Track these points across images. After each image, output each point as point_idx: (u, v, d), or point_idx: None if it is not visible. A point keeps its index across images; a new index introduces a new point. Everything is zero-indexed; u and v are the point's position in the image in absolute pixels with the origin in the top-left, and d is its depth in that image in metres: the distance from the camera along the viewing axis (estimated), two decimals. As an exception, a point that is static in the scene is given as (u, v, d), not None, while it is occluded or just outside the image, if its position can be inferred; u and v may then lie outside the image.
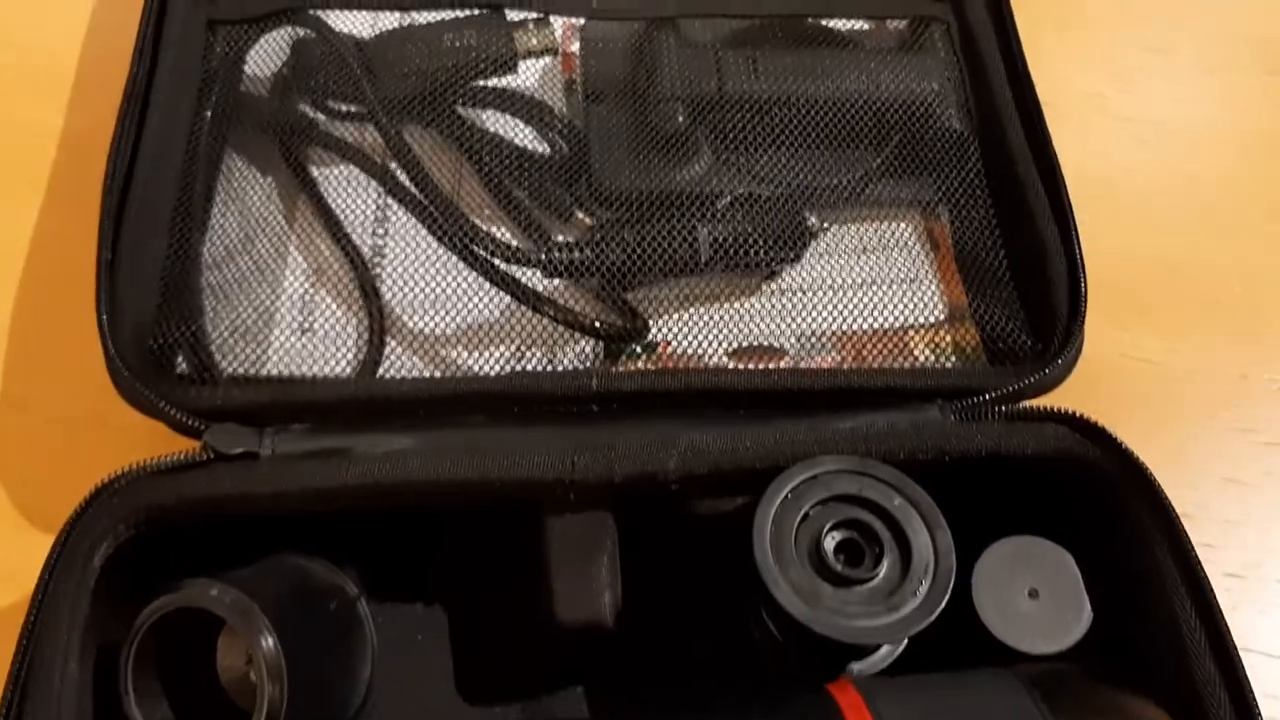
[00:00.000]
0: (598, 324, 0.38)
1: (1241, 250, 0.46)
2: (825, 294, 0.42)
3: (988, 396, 0.36)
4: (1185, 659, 0.31)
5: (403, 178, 0.40)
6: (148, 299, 0.37)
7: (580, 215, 0.42)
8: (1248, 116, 0.49)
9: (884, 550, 0.32)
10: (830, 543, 0.32)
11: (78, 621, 0.31)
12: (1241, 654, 0.31)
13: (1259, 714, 0.30)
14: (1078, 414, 0.35)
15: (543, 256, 0.38)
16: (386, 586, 0.35)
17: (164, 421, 0.34)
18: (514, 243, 0.40)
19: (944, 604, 0.31)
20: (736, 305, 0.41)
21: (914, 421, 0.35)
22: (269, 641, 0.30)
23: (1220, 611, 0.31)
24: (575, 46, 0.45)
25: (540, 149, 0.43)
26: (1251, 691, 0.30)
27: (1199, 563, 0.32)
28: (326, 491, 0.33)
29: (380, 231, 0.42)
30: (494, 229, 0.42)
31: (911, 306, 0.41)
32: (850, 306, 0.41)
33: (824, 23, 0.45)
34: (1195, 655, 0.31)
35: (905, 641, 0.34)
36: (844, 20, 0.45)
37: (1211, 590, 0.32)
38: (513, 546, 0.34)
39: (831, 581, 0.32)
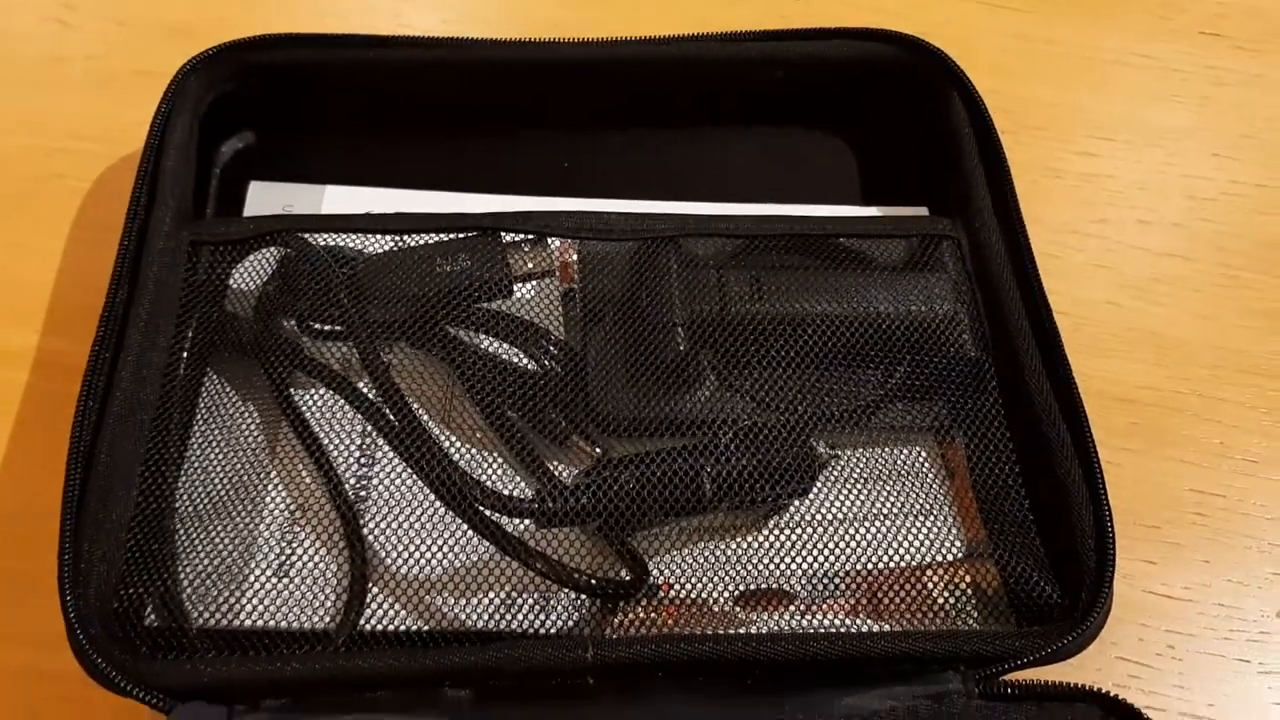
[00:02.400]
0: (593, 581, 0.36)
1: None
2: (835, 528, 0.39)
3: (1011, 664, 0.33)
4: None
5: (388, 413, 0.38)
6: (115, 550, 0.35)
7: (577, 440, 0.40)
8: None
9: None
10: None
11: None
12: None
13: None
14: (1111, 694, 0.32)
15: (536, 506, 0.36)
16: None
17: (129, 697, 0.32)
18: (506, 490, 0.37)
19: None
20: (741, 543, 0.39)
21: (932, 699, 0.32)
22: None
23: None
24: (574, 257, 0.43)
25: (536, 371, 0.41)
26: None
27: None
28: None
29: (365, 462, 0.40)
30: (486, 456, 0.40)
31: (927, 543, 0.39)
32: (862, 543, 0.39)
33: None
34: None
35: None
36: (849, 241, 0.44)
37: None
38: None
39: None
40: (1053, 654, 0.34)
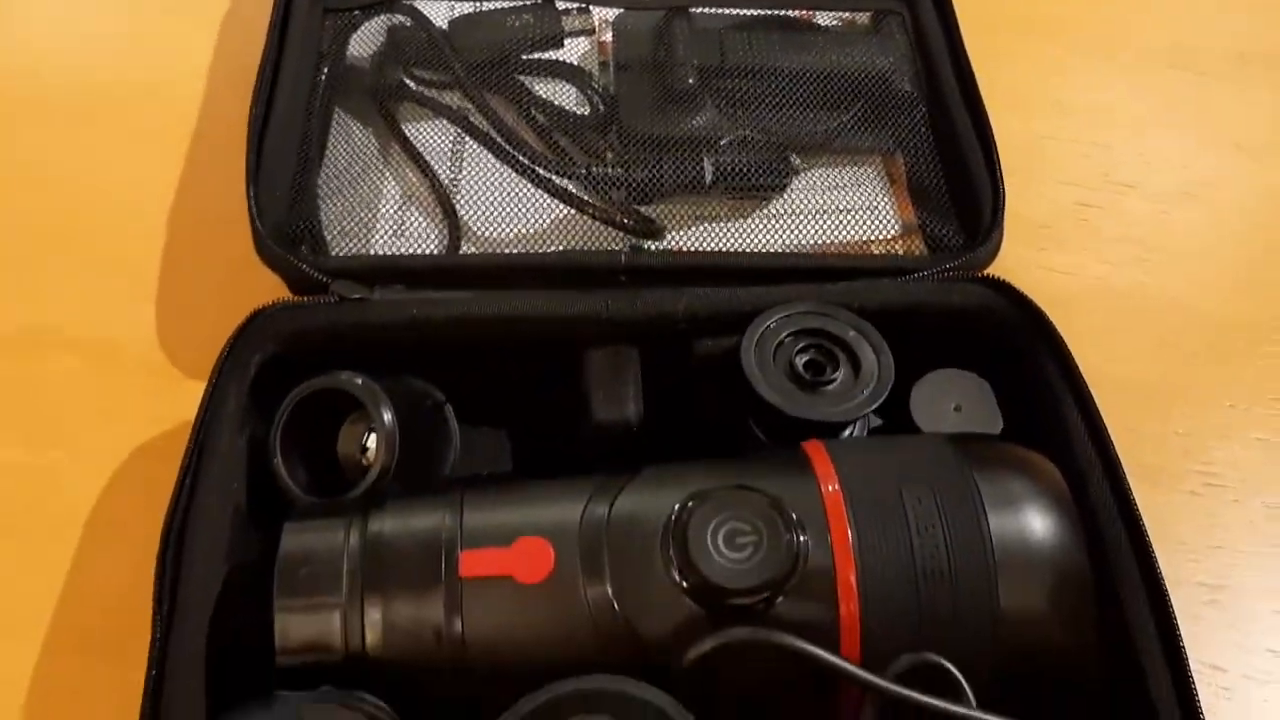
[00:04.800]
0: (626, 222, 0.49)
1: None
2: (804, 218, 0.53)
3: (928, 272, 0.47)
4: (1069, 442, 0.41)
5: (476, 120, 0.52)
6: (281, 203, 0.49)
7: (610, 156, 0.54)
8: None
9: (840, 365, 0.43)
10: (800, 360, 0.43)
11: (239, 407, 0.41)
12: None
13: (1124, 477, 0.40)
14: (997, 277, 0.45)
15: (583, 171, 0.50)
16: (465, 401, 0.46)
17: (296, 279, 0.45)
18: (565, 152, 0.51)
19: (884, 397, 0.41)
20: (733, 225, 0.52)
21: (869, 284, 0.46)
22: (389, 416, 0.40)
23: (1099, 414, 0.42)
24: (608, 35, 0.57)
25: (580, 108, 0.55)
26: (1120, 465, 0.40)
27: (1084, 383, 0.42)
28: (420, 321, 0.44)
29: (455, 166, 0.53)
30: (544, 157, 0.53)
31: (872, 226, 0.52)
32: (824, 226, 0.52)
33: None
34: (1077, 439, 0.41)
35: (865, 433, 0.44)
36: (822, 16, 0.58)
37: (1093, 399, 0.42)
38: (561, 374, 0.45)
39: (801, 387, 0.42)
40: (957, 266, 0.47)
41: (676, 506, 0.36)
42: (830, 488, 0.36)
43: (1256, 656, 0.44)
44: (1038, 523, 0.36)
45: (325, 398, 0.42)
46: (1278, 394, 0.50)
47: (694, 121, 0.53)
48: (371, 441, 0.42)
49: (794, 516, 0.35)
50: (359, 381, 0.41)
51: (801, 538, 0.35)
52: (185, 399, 0.44)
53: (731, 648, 0.34)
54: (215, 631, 0.37)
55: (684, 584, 0.35)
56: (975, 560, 0.35)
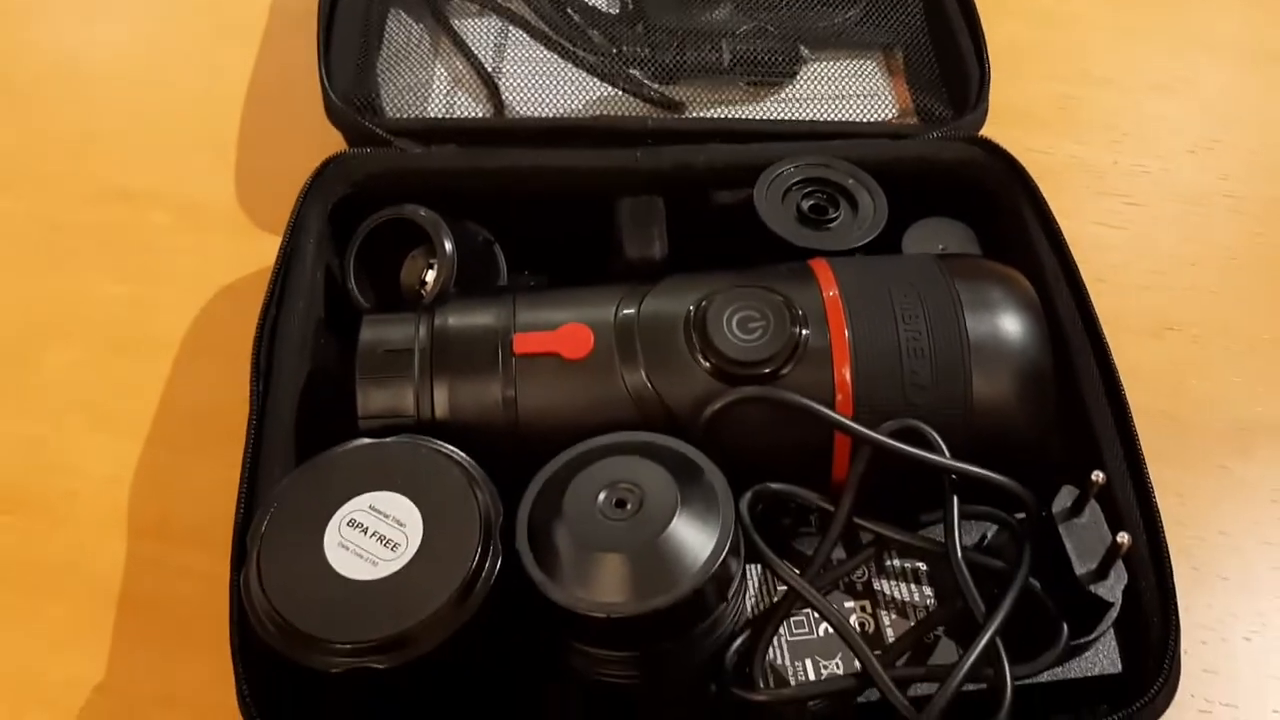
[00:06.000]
0: (653, 95, 0.56)
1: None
2: (811, 102, 0.59)
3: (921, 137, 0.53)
4: (1041, 271, 0.47)
5: (518, 10, 0.58)
6: (347, 76, 0.55)
7: (638, 49, 0.60)
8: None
9: (841, 207, 0.49)
10: (805, 204, 0.49)
11: (318, 234, 0.48)
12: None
13: (1086, 292, 0.46)
14: (983, 136, 0.52)
15: (614, 51, 0.56)
16: (510, 245, 0.52)
17: (362, 138, 0.52)
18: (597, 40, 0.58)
19: (879, 232, 0.48)
20: (749, 107, 0.59)
21: (868, 142, 0.52)
22: (449, 244, 0.47)
23: (1072, 259, 0.47)
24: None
25: (610, 8, 0.61)
26: (1083, 284, 0.46)
27: (1056, 224, 0.48)
28: (473, 170, 0.50)
29: (499, 54, 0.59)
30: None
31: (872, 110, 0.58)
32: (829, 109, 0.58)
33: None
34: (1049, 267, 0.47)
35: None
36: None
37: (1063, 236, 0.48)
38: (596, 221, 0.51)
39: (806, 225, 0.48)
40: (947, 132, 0.53)
41: (698, 300, 0.42)
42: (830, 293, 0.43)
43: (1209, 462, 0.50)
44: (1009, 322, 0.42)
45: (392, 230, 0.48)
46: (1227, 243, 0.56)
47: (714, 14, 0.59)
48: (430, 276, 0.49)
49: (797, 307, 0.41)
50: (423, 213, 0.47)
51: (802, 319, 0.41)
52: (262, 248, 0.51)
53: (742, 405, 0.40)
54: (302, 406, 0.43)
55: (705, 363, 0.41)
56: (952, 345, 0.41)
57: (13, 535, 0.47)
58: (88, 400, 0.50)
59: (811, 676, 0.38)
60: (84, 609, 0.45)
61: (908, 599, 0.40)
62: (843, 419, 0.39)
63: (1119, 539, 0.36)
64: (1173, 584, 0.39)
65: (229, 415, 0.45)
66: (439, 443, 0.39)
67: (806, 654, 0.39)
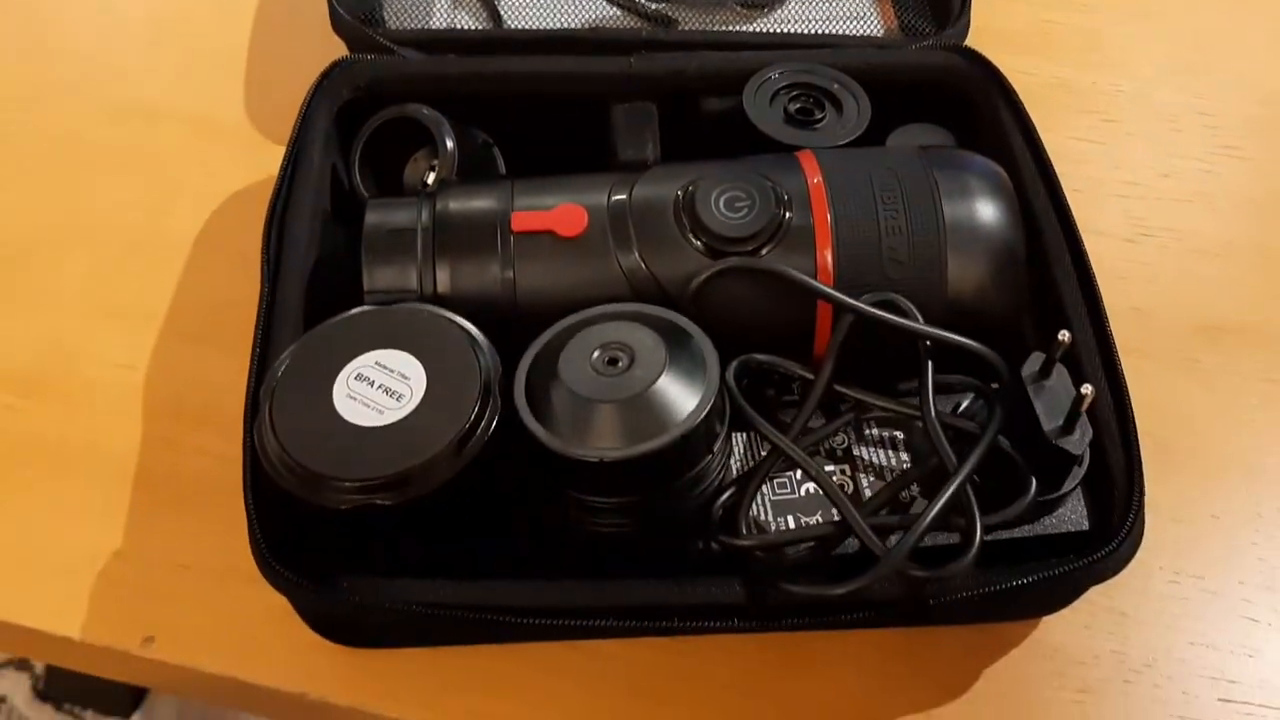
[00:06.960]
0: (648, 9, 0.58)
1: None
2: (801, 22, 0.61)
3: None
4: (1017, 169, 0.49)
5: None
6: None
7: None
8: None
9: (826, 109, 0.51)
10: (793, 106, 0.51)
11: (324, 132, 0.50)
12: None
13: (1060, 187, 0.48)
14: (964, 45, 0.54)
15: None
16: (509, 149, 0.54)
17: (366, 48, 0.54)
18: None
19: (862, 131, 0.50)
20: (740, 28, 0.61)
21: (853, 51, 0.54)
22: (450, 142, 0.49)
23: (1047, 157, 0.49)
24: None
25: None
26: (1056, 177, 0.48)
27: (1033, 125, 0.51)
28: (473, 75, 0.52)
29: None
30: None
31: (859, 28, 0.61)
32: (818, 28, 0.60)
33: None
34: (1025, 165, 0.49)
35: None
36: None
37: (1040, 141, 0.50)
38: (591, 126, 0.53)
39: (793, 125, 0.50)
40: (927, 44, 0.55)
41: (688, 182, 0.44)
42: (815, 180, 0.45)
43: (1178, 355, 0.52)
44: (983, 205, 0.44)
45: (396, 131, 0.50)
46: (1201, 155, 0.58)
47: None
48: (432, 178, 0.51)
49: (783, 189, 0.43)
50: (426, 111, 0.49)
51: (787, 201, 0.43)
52: (271, 158, 0.53)
53: (728, 277, 0.42)
54: (310, 292, 0.45)
55: (695, 241, 0.43)
56: (929, 226, 0.43)
57: (34, 419, 0.49)
58: (105, 296, 0.52)
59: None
60: (102, 485, 0.47)
61: (885, 463, 0.43)
62: (823, 286, 0.42)
63: (1083, 389, 0.39)
64: (1136, 437, 0.41)
65: (240, 308, 0.47)
66: (442, 310, 0.41)
67: (789, 510, 0.41)
